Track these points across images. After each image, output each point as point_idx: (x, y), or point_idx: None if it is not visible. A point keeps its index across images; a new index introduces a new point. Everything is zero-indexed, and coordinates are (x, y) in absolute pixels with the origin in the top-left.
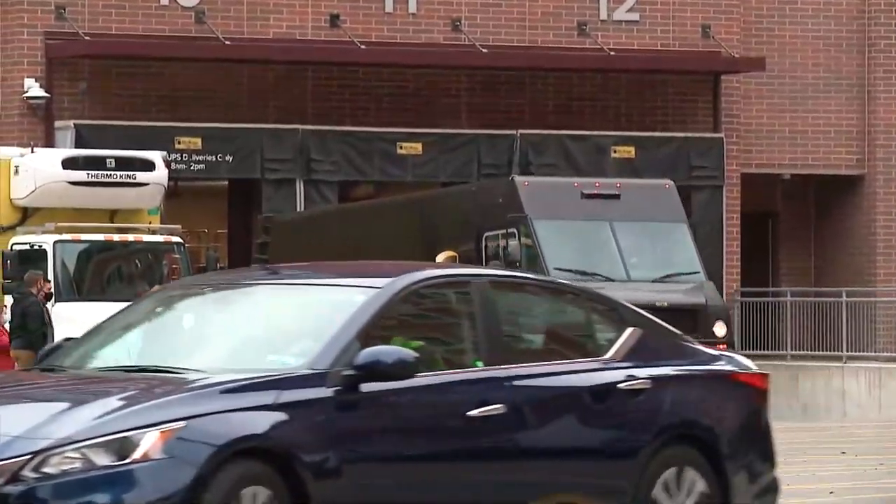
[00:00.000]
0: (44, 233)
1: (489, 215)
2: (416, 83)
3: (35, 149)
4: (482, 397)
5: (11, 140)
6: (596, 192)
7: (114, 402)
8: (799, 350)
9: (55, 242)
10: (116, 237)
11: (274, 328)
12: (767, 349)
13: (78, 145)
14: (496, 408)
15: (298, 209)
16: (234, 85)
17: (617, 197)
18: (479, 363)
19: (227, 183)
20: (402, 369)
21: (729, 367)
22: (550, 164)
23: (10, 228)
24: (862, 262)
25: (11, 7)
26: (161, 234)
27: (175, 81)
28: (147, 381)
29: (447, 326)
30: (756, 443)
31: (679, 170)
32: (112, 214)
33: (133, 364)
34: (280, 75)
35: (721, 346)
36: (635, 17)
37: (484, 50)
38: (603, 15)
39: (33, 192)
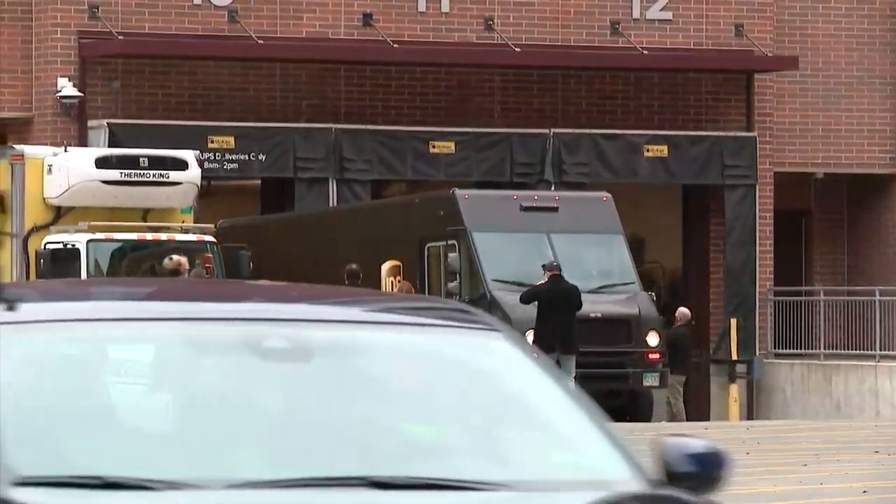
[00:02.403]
0: (77, 232)
1: (431, 227)
2: (448, 82)
3: (68, 148)
4: None
5: (45, 139)
6: (534, 204)
7: None
8: (832, 349)
9: (88, 241)
10: (149, 236)
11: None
12: (800, 348)
13: (111, 144)
14: None
15: (331, 207)
16: (267, 84)
17: (555, 209)
18: None
19: (259, 182)
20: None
21: None
22: (583, 163)
23: (44, 227)
24: None
25: (45, 7)
26: (194, 234)
27: (208, 80)
28: None
29: None
30: None
31: (712, 169)
32: (145, 213)
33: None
34: (313, 74)
35: (654, 356)
36: (668, 15)
37: (517, 49)
38: (636, 14)
39: (66, 191)
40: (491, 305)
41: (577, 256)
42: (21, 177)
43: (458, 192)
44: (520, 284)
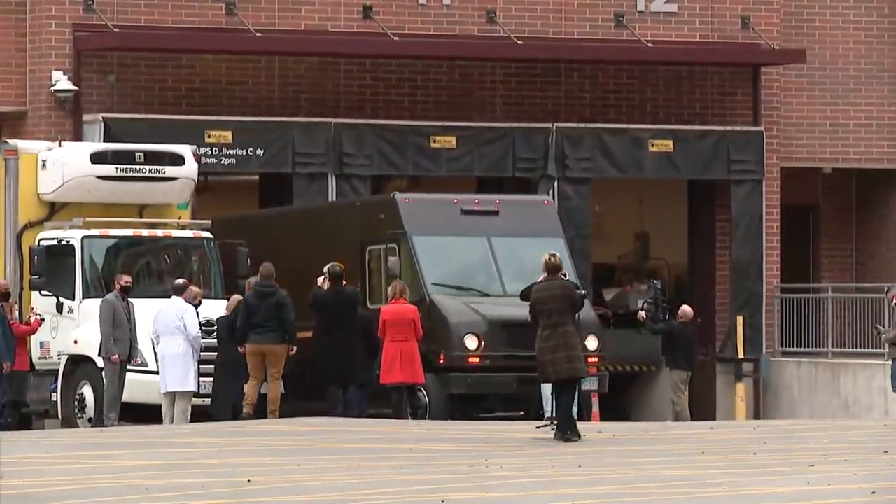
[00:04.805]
0: (71, 228)
1: (372, 230)
2: (450, 76)
3: (63, 143)
4: None
5: (39, 134)
6: (474, 208)
7: None
8: (840, 347)
9: (83, 238)
10: (145, 232)
11: None
12: (808, 346)
13: (106, 139)
14: None
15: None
16: (266, 78)
17: (495, 213)
18: None
19: (257, 177)
20: None
21: None
22: (587, 157)
23: (38, 223)
24: None
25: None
26: (190, 230)
27: (205, 74)
28: None
29: None
30: None
31: (718, 163)
32: (141, 209)
33: None
34: (312, 68)
35: (593, 360)
36: (673, 8)
37: (519, 42)
38: (640, 6)
39: (61, 186)
40: (430, 308)
41: (517, 260)
42: (15, 172)
43: (399, 195)
44: (459, 288)
